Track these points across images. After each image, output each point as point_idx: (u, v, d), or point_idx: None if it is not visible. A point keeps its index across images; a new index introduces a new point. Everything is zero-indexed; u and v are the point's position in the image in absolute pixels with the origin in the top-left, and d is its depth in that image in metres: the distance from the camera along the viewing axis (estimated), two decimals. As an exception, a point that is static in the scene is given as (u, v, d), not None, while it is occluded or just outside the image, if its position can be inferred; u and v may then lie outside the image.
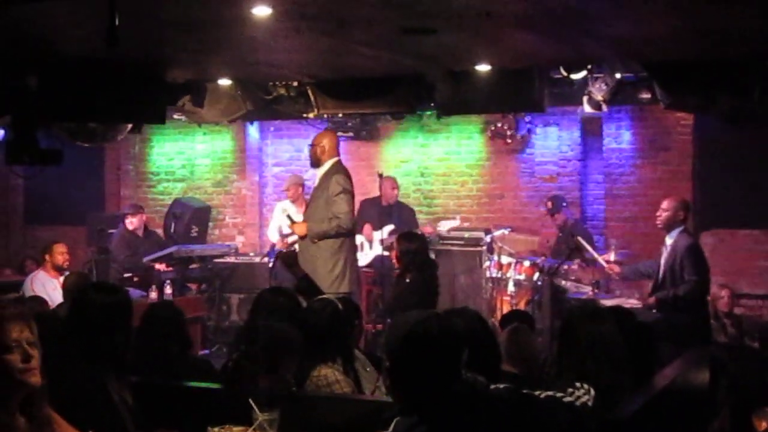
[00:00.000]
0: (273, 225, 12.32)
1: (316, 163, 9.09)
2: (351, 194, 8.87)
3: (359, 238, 11.84)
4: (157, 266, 11.39)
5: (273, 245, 12.13)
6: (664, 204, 8.90)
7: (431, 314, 4.37)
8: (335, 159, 9.02)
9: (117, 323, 4.34)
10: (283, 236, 11.66)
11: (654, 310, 8.66)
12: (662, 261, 8.79)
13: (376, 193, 11.48)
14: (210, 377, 5.38)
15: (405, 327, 3.52)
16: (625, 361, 4.13)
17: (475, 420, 3.39)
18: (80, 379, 4.01)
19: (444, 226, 11.75)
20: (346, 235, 8.84)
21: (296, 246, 9.17)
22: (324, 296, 6.03)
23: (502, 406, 3.53)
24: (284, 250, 7.22)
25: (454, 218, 12.16)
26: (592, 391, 3.94)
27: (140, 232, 11.95)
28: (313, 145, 9.12)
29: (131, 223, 11.93)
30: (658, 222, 8.91)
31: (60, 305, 8.27)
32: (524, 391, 3.82)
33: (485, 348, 4.36)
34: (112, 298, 4.43)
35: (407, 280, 8.64)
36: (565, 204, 11.38)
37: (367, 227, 11.78)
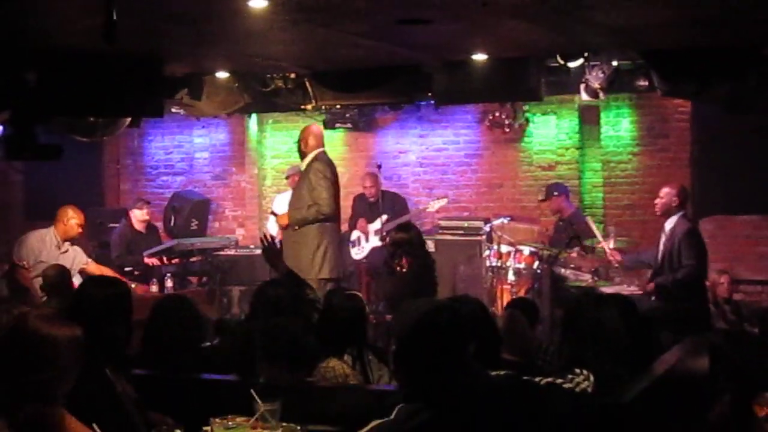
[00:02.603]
0: (273, 217, 12.33)
1: (302, 157, 9.31)
2: (331, 181, 9.04)
3: (355, 233, 11.92)
4: (158, 260, 11.35)
5: (273, 237, 12.13)
6: (661, 192, 8.99)
7: (442, 303, 4.38)
8: (317, 150, 9.21)
9: (117, 316, 4.38)
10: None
11: (653, 297, 8.70)
12: (661, 247, 8.87)
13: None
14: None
15: (415, 314, 3.54)
16: (625, 349, 4.15)
17: (477, 406, 3.41)
18: (83, 372, 4.03)
19: (433, 207, 11.81)
20: (327, 221, 9.02)
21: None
22: (346, 291, 6.14)
23: (503, 393, 3.56)
24: (267, 243, 7.19)
25: (443, 197, 12.15)
26: (592, 378, 3.97)
27: (143, 227, 11.77)
28: (297, 141, 9.37)
29: (138, 216, 11.68)
30: (656, 210, 9.02)
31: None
32: (524, 378, 3.84)
33: (487, 336, 4.39)
34: (110, 291, 4.48)
35: (402, 270, 8.63)
36: (556, 193, 11.21)
37: (361, 221, 11.92)
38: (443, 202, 11.99)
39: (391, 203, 12.04)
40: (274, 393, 4.09)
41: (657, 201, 9.00)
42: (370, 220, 11.72)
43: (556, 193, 11.23)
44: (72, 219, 9.86)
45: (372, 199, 11.88)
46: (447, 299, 4.91)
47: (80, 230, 10.01)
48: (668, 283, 8.65)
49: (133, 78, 8.70)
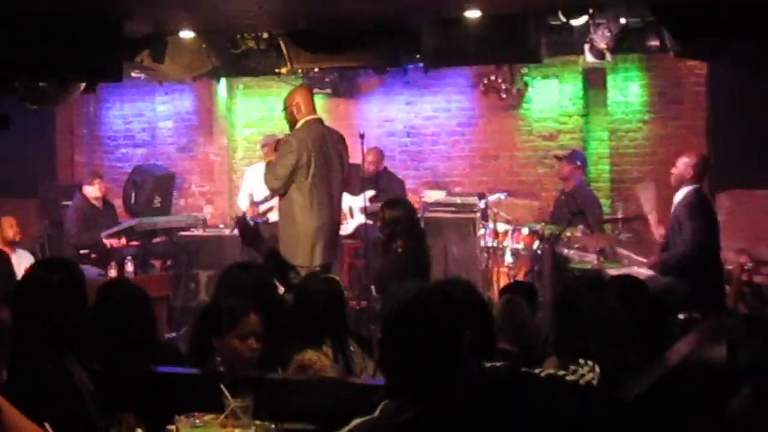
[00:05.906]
0: (244, 191, 12.23)
1: (293, 125, 8.89)
2: (293, 152, 8.62)
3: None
4: (117, 241, 11.33)
5: (243, 214, 12.02)
6: (678, 161, 8.98)
7: (433, 285, 4.36)
8: (310, 117, 8.88)
9: (69, 302, 4.34)
10: (255, 203, 11.54)
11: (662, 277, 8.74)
12: (668, 224, 8.90)
13: (357, 159, 11.42)
14: (178, 362, 5.38)
15: (404, 298, 3.51)
16: (632, 336, 4.15)
17: (472, 401, 3.40)
18: (37, 364, 4.00)
19: (430, 197, 11.75)
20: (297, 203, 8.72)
21: (268, 216, 9.14)
22: (318, 274, 6.15)
23: (500, 386, 3.54)
24: (242, 224, 7.04)
25: (442, 188, 12.07)
26: (597, 369, 3.97)
27: (99, 203, 11.82)
28: (286, 107, 8.93)
29: (91, 192, 11.75)
30: (671, 181, 9.01)
31: None
32: (523, 370, 3.84)
33: (480, 322, 4.38)
34: (61, 275, 4.43)
35: (398, 251, 8.62)
36: (579, 162, 11.13)
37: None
38: (441, 194, 11.88)
39: (387, 183, 11.96)
40: (245, 388, 4.07)
41: (672, 171, 8.99)
42: (354, 194, 11.51)
43: (579, 162, 11.24)
44: (7, 230, 10.12)
45: (366, 175, 11.71)
46: (438, 282, 4.89)
47: (18, 236, 10.30)
48: (670, 261, 8.69)
49: (89, 38, 8.64)
